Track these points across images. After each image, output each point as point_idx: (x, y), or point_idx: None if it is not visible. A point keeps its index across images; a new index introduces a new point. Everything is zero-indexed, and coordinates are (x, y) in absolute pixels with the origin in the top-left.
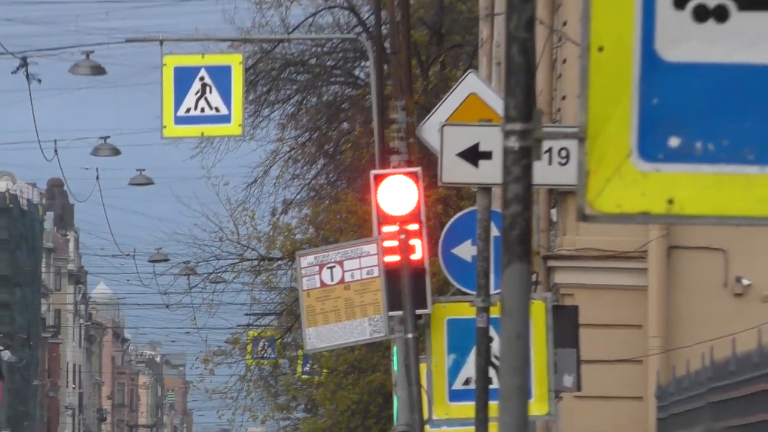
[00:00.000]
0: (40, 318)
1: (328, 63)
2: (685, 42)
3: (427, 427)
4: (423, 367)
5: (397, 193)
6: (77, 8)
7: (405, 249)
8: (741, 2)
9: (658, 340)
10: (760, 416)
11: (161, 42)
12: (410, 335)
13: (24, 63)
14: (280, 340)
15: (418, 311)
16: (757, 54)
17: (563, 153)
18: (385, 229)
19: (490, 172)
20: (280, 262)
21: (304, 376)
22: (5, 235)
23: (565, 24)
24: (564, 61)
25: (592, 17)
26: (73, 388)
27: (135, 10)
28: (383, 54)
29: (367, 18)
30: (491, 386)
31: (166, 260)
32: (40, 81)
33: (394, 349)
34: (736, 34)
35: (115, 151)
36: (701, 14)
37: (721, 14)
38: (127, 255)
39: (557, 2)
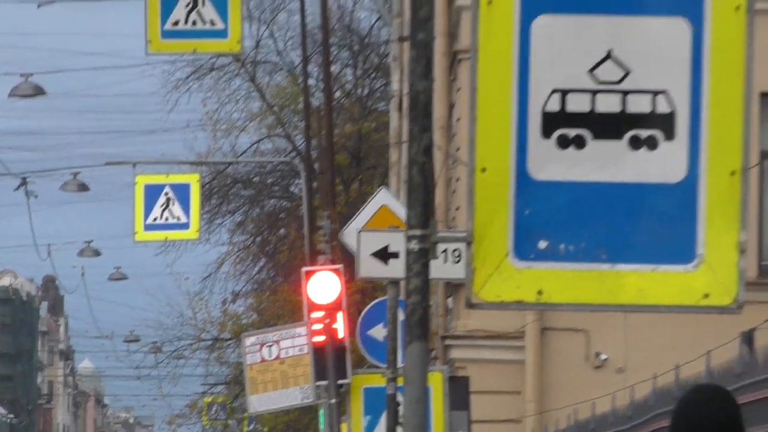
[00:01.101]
0: (36, 388)
1: (268, 181)
2: (551, 164)
3: None
4: (344, 426)
5: (323, 286)
6: (68, 138)
7: (329, 331)
8: (595, 133)
9: (533, 404)
10: None
11: (134, 165)
12: (333, 401)
13: (24, 182)
14: (230, 404)
15: (340, 381)
16: (607, 174)
17: (456, 253)
18: (314, 314)
19: (398, 268)
20: (229, 341)
21: None
22: (8, 321)
23: (458, 149)
24: (457, 179)
25: (477, 144)
26: None
27: (114, 139)
28: (312, 173)
29: (300, 145)
30: None
31: (138, 340)
32: (36, 196)
33: (321, 411)
34: (591, 158)
35: (97, 253)
36: (563, 142)
37: (579, 142)
38: (106, 337)
39: (452, 132)
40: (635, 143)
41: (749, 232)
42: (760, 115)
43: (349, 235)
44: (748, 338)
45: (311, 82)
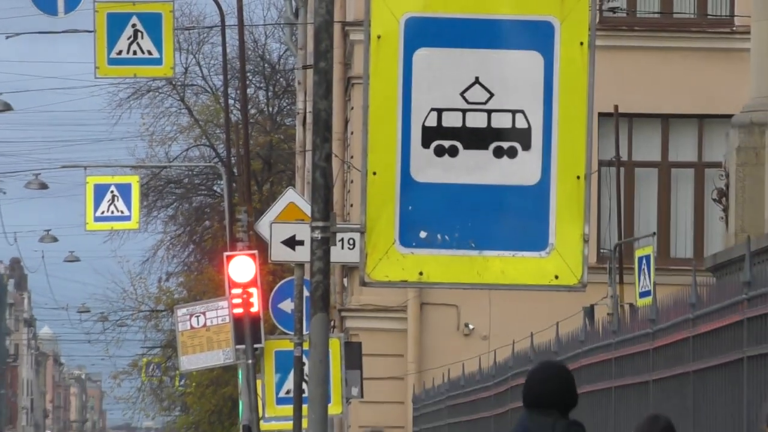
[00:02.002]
0: (5, 350)
1: (195, 182)
2: (429, 169)
3: (261, 421)
4: (259, 382)
5: (241, 268)
6: (31, 146)
7: (246, 304)
8: (465, 144)
9: (414, 365)
10: (481, 414)
11: (85, 168)
12: (250, 361)
13: None
14: (164, 364)
15: (256, 345)
16: (476, 177)
17: (351, 241)
18: (234, 291)
19: (303, 253)
20: (164, 312)
21: (180, 388)
22: None
23: (352, 157)
24: (351, 181)
25: (368, 152)
26: (28, 396)
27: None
28: (232, 176)
29: (222, 152)
30: (304, 395)
31: (89, 311)
32: (5, 193)
33: (239, 370)
34: (462, 165)
35: (54, 239)
36: (440, 151)
37: (453, 151)
38: (63, 308)
39: (347, 143)
40: (498, 152)
41: (591, 225)
42: (598, 131)
43: (263, 226)
44: (589, 312)
45: (230, 101)
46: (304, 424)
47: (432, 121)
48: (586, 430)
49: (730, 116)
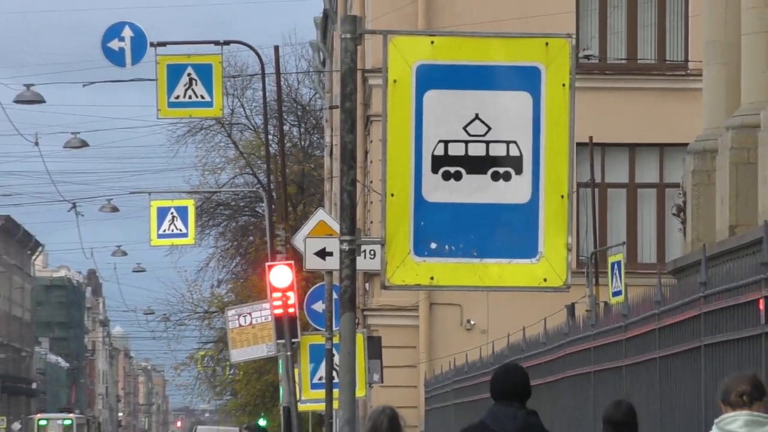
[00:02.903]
0: (84, 346)
1: (241, 204)
2: (437, 191)
3: (299, 403)
4: (296, 371)
5: (280, 275)
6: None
7: (285, 306)
8: (467, 169)
9: (425, 355)
10: (482, 396)
11: (149, 194)
12: (288, 353)
13: (74, 206)
14: (216, 356)
15: (293, 340)
16: (477, 197)
17: (372, 252)
18: (274, 294)
19: (333, 263)
20: (215, 313)
21: (230, 376)
22: (64, 300)
23: (371, 182)
24: (371, 202)
25: (387, 177)
26: (104, 384)
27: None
28: (271, 199)
29: (263, 179)
30: (334, 381)
31: (153, 313)
32: (82, 215)
33: (280, 361)
34: (465, 187)
35: (124, 253)
36: (446, 176)
37: (457, 176)
38: (132, 311)
39: (367, 170)
40: (495, 176)
41: (572, 236)
42: (576, 158)
43: (298, 240)
44: (571, 309)
45: (269, 137)
46: (335, 405)
47: (440, 151)
48: (539, 417)
49: (685, 145)
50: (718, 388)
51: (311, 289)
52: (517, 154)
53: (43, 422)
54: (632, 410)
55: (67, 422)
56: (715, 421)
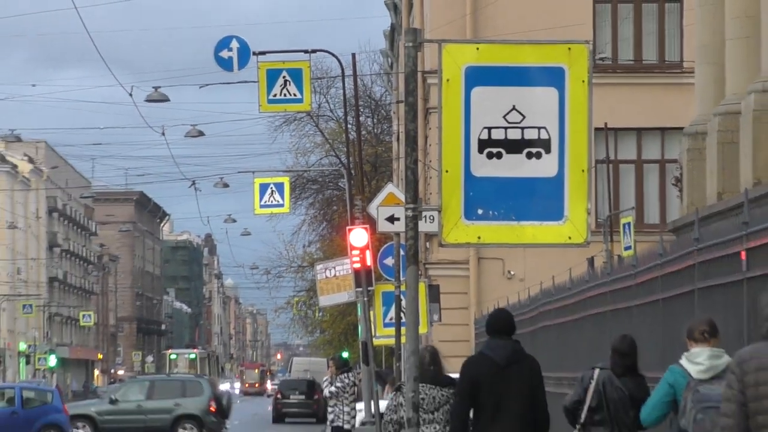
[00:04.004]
0: (202, 294)
1: (327, 180)
2: (483, 167)
3: (374, 339)
4: (371, 313)
5: (359, 237)
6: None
7: (362, 261)
8: (507, 150)
9: (474, 299)
10: (519, 331)
11: (253, 173)
12: (365, 299)
13: (193, 183)
14: (308, 302)
15: (369, 288)
16: (515, 172)
17: (431, 217)
18: (354, 252)
19: (400, 226)
20: (307, 267)
21: (319, 317)
22: (186, 258)
23: (430, 161)
24: (430, 177)
25: (443, 157)
26: (218, 325)
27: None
28: (351, 176)
29: (344, 160)
30: (402, 321)
31: (257, 267)
32: (200, 190)
33: (358, 305)
34: (505, 164)
35: (234, 220)
36: (490, 155)
37: (499, 155)
38: (240, 266)
39: (427, 152)
40: (529, 155)
41: (591, 203)
42: (595, 140)
43: (372, 208)
44: (591, 261)
45: (349, 126)
46: (402, 340)
47: (484, 136)
48: (521, 345)
49: (682, 128)
50: (684, 329)
51: (383, 248)
52: (546, 137)
53: (173, 356)
54: (634, 343)
55: (192, 356)
56: (684, 354)
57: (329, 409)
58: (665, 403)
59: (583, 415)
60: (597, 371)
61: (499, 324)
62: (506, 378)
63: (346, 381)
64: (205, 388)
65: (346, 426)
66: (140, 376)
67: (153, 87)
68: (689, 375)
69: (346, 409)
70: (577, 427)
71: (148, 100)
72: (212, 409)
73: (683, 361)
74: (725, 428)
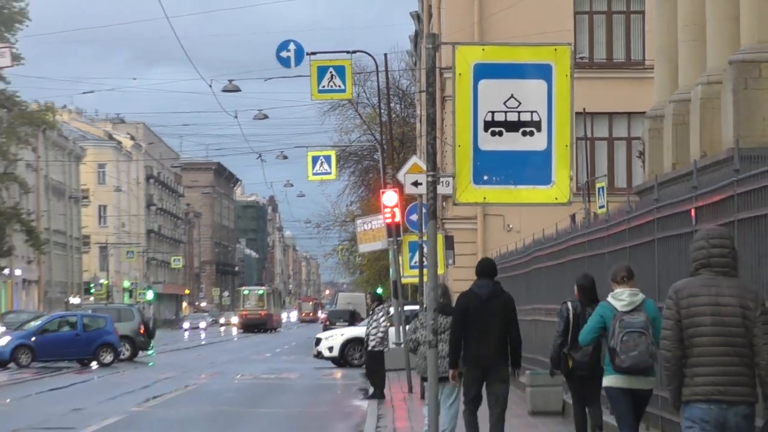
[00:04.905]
0: (266, 244)
1: (364, 153)
2: (488, 143)
3: (402, 278)
4: (400, 258)
5: (390, 198)
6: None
7: (393, 216)
8: (506, 129)
9: (480, 247)
10: (515, 273)
11: (307, 148)
12: (395, 246)
13: (260, 156)
14: (350, 249)
15: (398, 238)
16: (512, 146)
17: (447, 182)
18: (386, 210)
19: (422, 189)
20: (349, 222)
21: (358, 261)
22: (255, 216)
23: (446, 138)
24: (446, 151)
25: (456, 134)
26: (279, 267)
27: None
28: (383, 150)
29: (378, 138)
30: (424, 264)
31: (310, 222)
32: (265, 161)
33: (390, 252)
34: (506, 140)
35: (291, 185)
36: (493, 134)
37: (500, 133)
38: (296, 221)
39: (443, 130)
40: (524, 134)
41: (574, 170)
42: (576, 121)
43: (400, 176)
44: (572, 217)
45: (382, 111)
46: (425, 279)
47: (489, 118)
48: (501, 285)
49: (644, 113)
50: (608, 274)
51: (409, 206)
52: (538, 119)
53: (245, 292)
54: (593, 280)
55: (260, 292)
56: (610, 293)
57: (371, 337)
58: (597, 329)
59: (569, 337)
60: (569, 303)
61: (484, 269)
62: (487, 309)
63: (380, 314)
64: (135, 314)
65: (380, 348)
66: (84, 308)
67: (228, 80)
68: (615, 309)
69: (380, 335)
70: (565, 350)
71: (224, 90)
72: (141, 331)
73: (610, 299)
74: (666, 338)
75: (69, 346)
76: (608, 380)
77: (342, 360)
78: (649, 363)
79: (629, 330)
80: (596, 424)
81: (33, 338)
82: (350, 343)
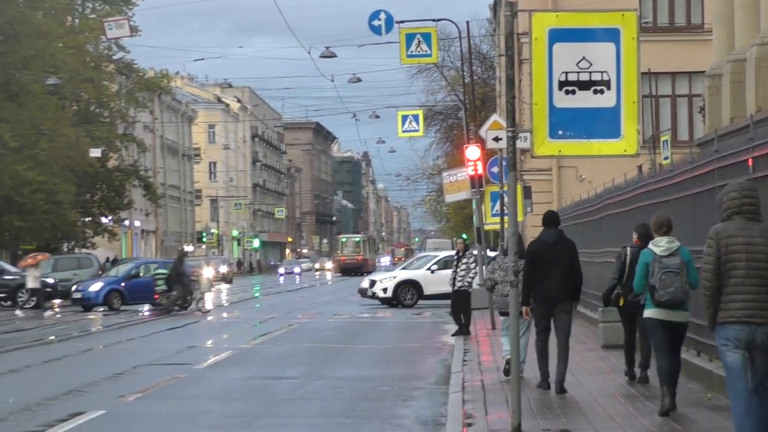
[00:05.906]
0: (362, 195)
1: (449, 112)
2: (562, 101)
3: (485, 225)
4: (483, 206)
5: (473, 152)
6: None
7: (475, 169)
8: (579, 88)
9: (556, 196)
10: (588, 219)
11: (397, 108)
12: (478, 197)
13: (354, 115)
14: (437, 199)
15: (480, 189)
16: (585, 104)
17: (525, 137)
18: (469, 163)
19: (502, 144)
20: (436, 174)
21: (444, 210)
22: (350, 170)
23: (524, 97)
24: (523, 109)
25: (533, 93)
26: (373, 216)
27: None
28: (466, 109)
29: (462, 98)
30: (505, 212)
31: (400, 175)
32: (358, 120)
33: (473, 201)
34: (579, 98)
35: (383, 142)
36: (567, 92)
37: (573, 92)
38: (388, 174)
39: (521, 90)
40: (595, 92)
41: (640, 125)
42: (641, 80)
43: (482, 131)
44: (639, 168)
45: (465, 73)
46: (506, 225)
47: (563, 78)
48: (564, 233)
49: (704, 72)
50: (650, 224)
51: (490, 159)
52: (607, 78)
53: (343, 239)
54: (649, 228)
55: (356, 239)
56: (651, 242)
57: (458, 278)
58: (645, 276)
59: (624, 279)
60: (628, 249)
61: (549, 219)
62: (553, 252)
63: (471, 258)
64: (94, 261)
65: (466, 287)
66: (50, 258)
67: (324, 47)
68: (655, 254)
69: (470, 277)
70: (618, 289)
71: (322, 56)
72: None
73: (651, 246)
74: (707, 271)
75: (149, 290)
76: (648, 312)
77: (395, 300)
78: (683, 298)
79: (667, 270)
80: (644, 355)
81: (122, 283)
82: (402, 285)
